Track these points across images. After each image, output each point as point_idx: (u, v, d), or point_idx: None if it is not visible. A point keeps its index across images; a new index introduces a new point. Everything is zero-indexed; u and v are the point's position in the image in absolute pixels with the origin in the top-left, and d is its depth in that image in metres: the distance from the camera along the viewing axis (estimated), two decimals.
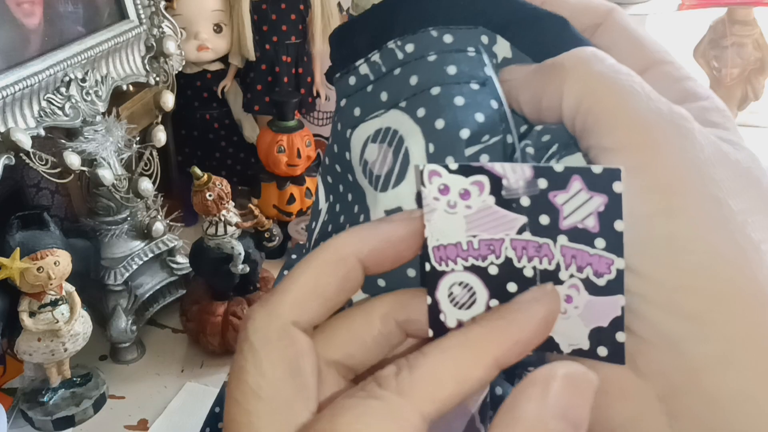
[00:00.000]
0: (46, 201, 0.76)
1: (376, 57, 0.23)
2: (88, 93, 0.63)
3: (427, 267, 0.20)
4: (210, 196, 0.66)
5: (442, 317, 0.20)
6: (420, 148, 0.21)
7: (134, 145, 0.69)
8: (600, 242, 0.18)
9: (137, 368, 0.70)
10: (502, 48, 0.23)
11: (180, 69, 0.75)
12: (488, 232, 0.19)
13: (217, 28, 0.84)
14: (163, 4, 0.72)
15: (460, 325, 0.20)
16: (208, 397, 0.65)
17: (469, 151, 0.21)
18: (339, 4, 0.97)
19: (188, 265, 0.72)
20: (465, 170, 0.19)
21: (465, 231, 0.20)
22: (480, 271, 0.20)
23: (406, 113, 0.22)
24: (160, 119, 0.72)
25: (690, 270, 0.18)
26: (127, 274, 0.68)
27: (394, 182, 0.22)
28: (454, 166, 0.19)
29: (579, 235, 0.19)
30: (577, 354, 0.20)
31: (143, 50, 0.71)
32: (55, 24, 0.62)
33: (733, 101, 0.91)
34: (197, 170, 0.67)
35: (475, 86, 0.22)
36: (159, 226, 0.70)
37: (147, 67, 0.71)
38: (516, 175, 0.19)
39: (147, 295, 0.71)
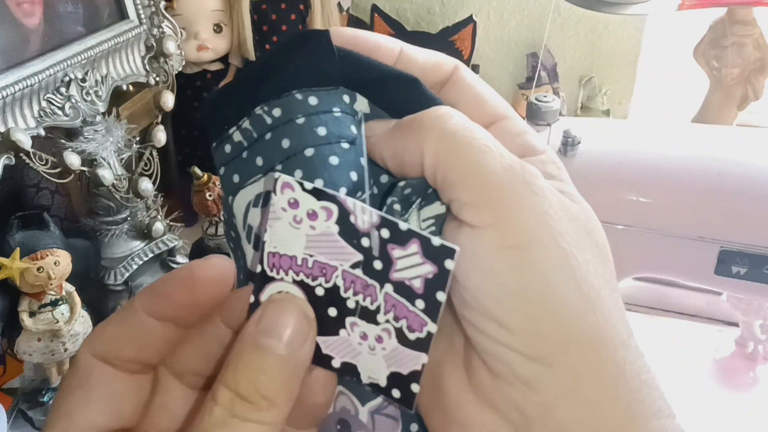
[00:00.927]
0: (46, 201, 0.76)
1: (246, 124, 0.23)
2: (88, 93, 0.63)
3: (259, 269, 0.21)
4: (210, 196, 0.66)
5: None
6: None
7: (134, 145, 0.69)
8: (420, 303, 0.20)
9: None
10: (362, 104, 0.24)
11: (180, 69, 0.75)
12: (325, 256, 0.20)
13: (217, 28, 0.84)
14: (163, 4, 0.72)
15: None
16: None
17: None
18: (339, 4, 0.97)
19: None
20: (318, 194, 0.20)
21: (303, 247, 0.20)
22: (307, 288, 0.21)
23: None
24: (160, 119, 0.72)
25: (541, 318, 0.20)
26: (127, 274, 0.68)
27: None
28: (309, 185, 0.20)
29: (404, 290, 0.20)
30: (374, 387, 0.22)
31: (143, 50, 0.71)
32: (55, 24, 0.62)
33: (733, 101, 0.91)
34: (197, 170, 0.67)
35: (345, 145, 0.22)
36: (159, 226, 0.70)
37: (147, 67, 0.71)
38: (364, 216, 0.20)
39: None
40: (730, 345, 0.72)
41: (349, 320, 0.21)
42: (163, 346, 0.22)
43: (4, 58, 0.56)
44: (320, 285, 0.21)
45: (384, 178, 0.24)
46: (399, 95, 0.23)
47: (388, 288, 0.20)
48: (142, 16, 0.70)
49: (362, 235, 0.20)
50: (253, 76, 0.23)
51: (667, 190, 0.54)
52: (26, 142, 0.55)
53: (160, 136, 0.71)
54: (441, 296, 0.19)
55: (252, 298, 0.21)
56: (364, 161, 0.23)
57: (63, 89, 0.61)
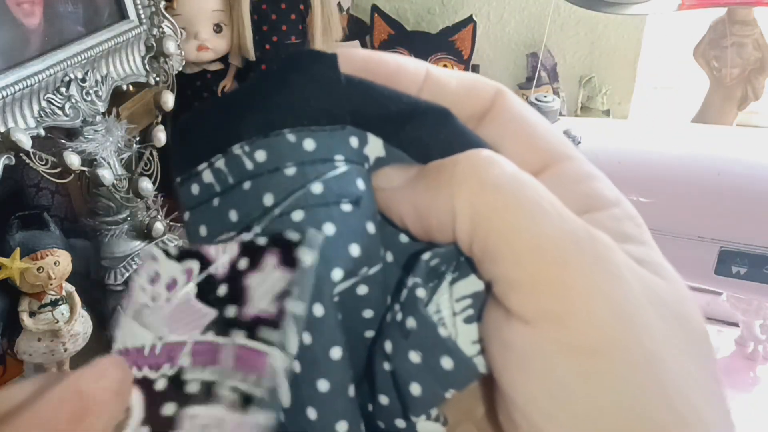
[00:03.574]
0: (46, 201, 0.76)
1: (220, 163, 0.18)
2: (88, 93, 0.63)
3: None
4: None
5: None
6: None
7: (134, 145, 0.69)
8: (268, 332, 0.16)
9: None
10: (375, 147, 0.18)
11: (180, 69, 0.75)
12: (176, 333, 0.17)
13: (217, 28, 0.84)
14: (163, 4, 0.72)
15: None
16: None
17: (341, 286, 0.17)
18: (339, 4, 0.97)
19: None
20: (183, 255, 0.17)
21: (155, 332, 0.17)
22: (147, 386, 0.17)
23: None
24: (160, 119, 0.72)
25: None
26: (127, 274, 0.68)
27: None
28: (174, 250, 0.17)
29: (257, 327, 0.16)
30: None
31: (143, 50, 0.71)
32: (55, 24, 0.62)
33: (733, 101, 0.91)
34: None
35: (346, 207, 0.17)
36: (159, 226, 0.70)
37: (147, 67, 0.71)
38: (224, 256, 0.16)
39: None
40: (730, 345, 0.72)
41: (188, 413, 0.16)
42: None
43: (4, 58, 0.56)
44: (163, 375, 0.17)
45: (404, 238, 0.19)
46: (424, 133, 0.18)
47: (240, 338, 0.16)
48: (142, 16, 0.70)
49: (220, 283, 0.16)
50: (238, 102, 0.19)
51: (667, 190, 0.54)
52: (26, 142, 0.55)
53: (160, 136, 0.71)
54: (295, 306, 0.15)
55: None
56: (371, 227, 0.18)
57: (63, 89, 0.61)
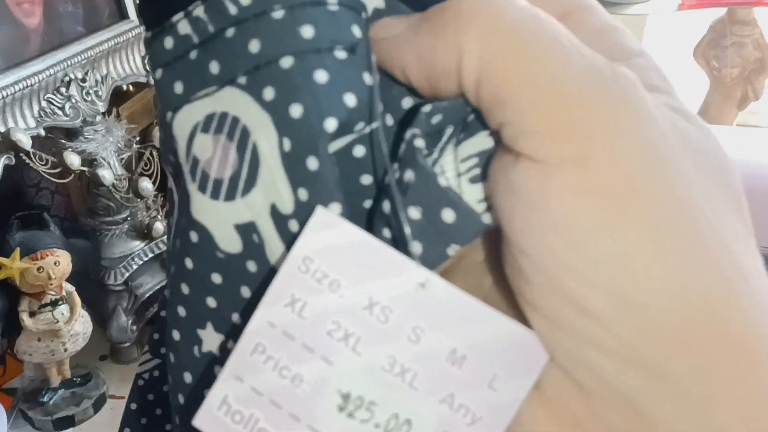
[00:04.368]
0: (46, 201, 0.76)
1: (199, 11, 0.17)
2: (88, 93, 0.63)
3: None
4: None
5: None
6: (273, 144, 0.16)
7: (134, 145, 0.69)
8: None
9: (137, 368, 0.70)
10: None
11: None
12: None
13: None
14: None
15: None
16: None
17: (336, 145, 0.16)
18: None
19: None
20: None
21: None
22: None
23: (248, 93, 0.16)
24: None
25: (651, 307, 0.13)
26: (127, 274, 0.68)
27: (243, 189, 0.17)
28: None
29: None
30: None
31: (143, 50, 0.71)
32: (55, 24, 0.62)
33: (733, 101, 0.91)
34: None
35: (341, 54, 0.16)
36: (159, 226, 0.70)
37: (147, 67, 0.71)
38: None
39: (147, 295, 0.71)
40: None
41: None
42: None
43: (4, 58, 0.56)
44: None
45: (407, 102, 0.17)
46: None
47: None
48: None
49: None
50: None
51: None
52: (26, 142, 0.55)
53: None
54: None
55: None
56: (369, 78, 0.16)
57: (63, 89, 0.61)
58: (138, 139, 0.71)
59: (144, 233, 0.71)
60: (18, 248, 0.56)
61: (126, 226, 0.70)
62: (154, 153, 0.72)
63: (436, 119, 0.15)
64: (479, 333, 0.14)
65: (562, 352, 0.14)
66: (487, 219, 0.15)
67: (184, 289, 0.18)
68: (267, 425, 0.15)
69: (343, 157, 0.16)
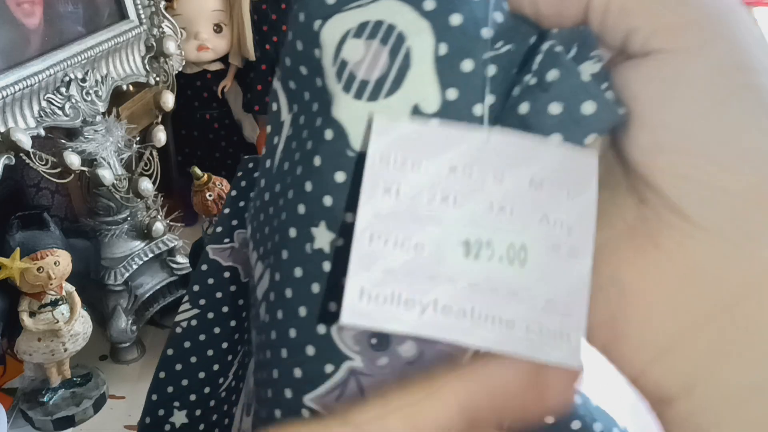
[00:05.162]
0: (46, 201, 0.76)
1: None
2: (88, 93, 0.63)
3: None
4: (210, 196, 0.66)
5: None
6: (428, 48, 0.17)
7: (134, 145, 0.69)
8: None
9: (137, 368, 0.70)
10: None
11: (180, 69, 0.75)
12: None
13: (217, 28, 0.84)
14: (163, 4, 0.72)
15: None
16: None
17: (489, 54, 0.18)
18: None
19: (188, 265, 0.72)
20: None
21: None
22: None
23: (407, 4, 0.18)
24: (160, 119, 0.72)
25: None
26: (127, 274, 0.68)
27: (388, 90, 0.18)
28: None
29: None
30: None
31: (143, 50, 0.71)
32: (55, 24, 0.62)
33: None
34: (197, 170, 0.67)
35: None
36: (159, 226, 0.70)
37: (147, 67, 0.71)
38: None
39: (147, 295, 0.71)
40: None
41: None
42: None
43: (4, 58, 0.56)
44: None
45: (533, 40, 0.18)
46: None
47: None
48: (142, 16, 0.70)
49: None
50: None
51: None
52: (26, 142, 0.55)
53: (160, 136, 0.71)
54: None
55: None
56: (506, 5, 0.18)
57: (63, 89, 0.61)
58: (138, 139, 0.71)
59: (144, 233, 0.71)
60: (18, 248, 0.56)
61: (126, 226, 0.70)
62: (154, 153, 0.72)
63: (557, 48, 0.17)
64: (546, 160, 0.17)
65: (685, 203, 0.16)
66: (621, 110, 0.17)
67: (308, 186, 0.19)
68: (411, 294, 0.16)
69: (496, 60, 0.18)
